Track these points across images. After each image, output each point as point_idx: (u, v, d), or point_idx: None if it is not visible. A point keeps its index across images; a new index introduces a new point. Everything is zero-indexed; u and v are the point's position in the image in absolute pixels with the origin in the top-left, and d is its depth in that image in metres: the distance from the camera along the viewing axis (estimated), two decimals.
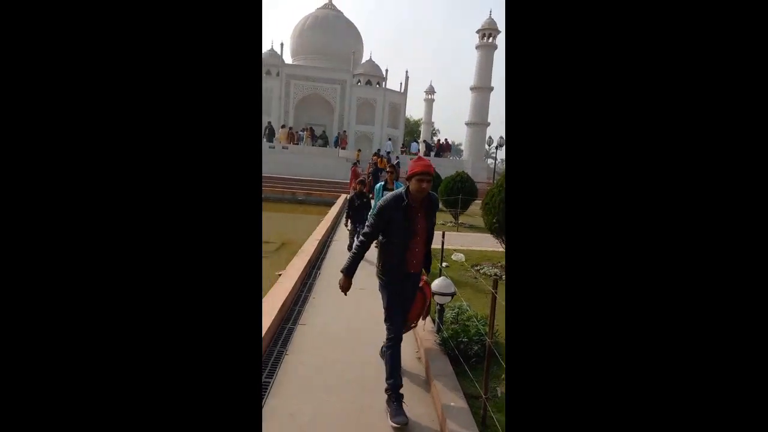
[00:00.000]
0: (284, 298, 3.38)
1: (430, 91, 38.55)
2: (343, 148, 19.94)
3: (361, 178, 6.26)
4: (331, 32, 24.53)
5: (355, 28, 26.36)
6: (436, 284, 2.78)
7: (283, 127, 19.85)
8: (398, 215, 2.09)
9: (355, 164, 14.67)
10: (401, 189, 2.15)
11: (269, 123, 19.99)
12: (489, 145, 22.90)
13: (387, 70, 23.89)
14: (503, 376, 2.33)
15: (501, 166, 22.76)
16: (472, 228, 8.55)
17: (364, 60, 24.90)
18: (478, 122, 24.70)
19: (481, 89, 24.51)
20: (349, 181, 13.30)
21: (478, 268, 5.14)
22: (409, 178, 2.12)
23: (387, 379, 2.12)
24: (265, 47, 23.62)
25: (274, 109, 21.97)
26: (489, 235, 5.67)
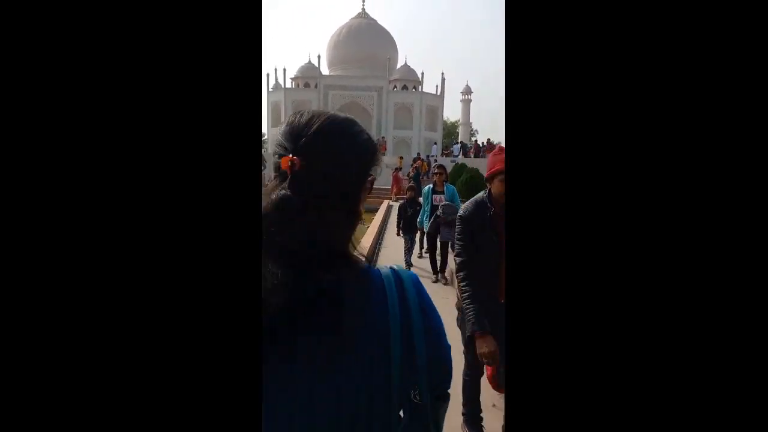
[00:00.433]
0: None
1: (467, 91, 38.01)
2: (383, 154, 20.01)
3: (411, 184, 6.14)
4: (365, 41, 24.82)
5: (389, 34, 26.53)
6: None
7: None
8: (484, 228, 1.60)
9: (396, 170, 14.66)
10: (482, 194, 1.71)
11: None
12: None
13: (423, 74, 23.83)
14: None
15: None
16: None
17: (399, 65, 24.97)
18: None
19: None
20: (390, 187, 13.30)
21: None
22: (489, 179, 1.67)
23: (464, 404, 1.83)
24: (303, 61, 24.27)
25: None
26: None
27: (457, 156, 18.94)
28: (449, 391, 0.63)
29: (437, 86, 24.73)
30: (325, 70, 24.41)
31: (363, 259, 0.59)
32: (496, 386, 1.94)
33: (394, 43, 26.39)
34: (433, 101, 23.87)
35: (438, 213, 4.20)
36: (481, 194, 1.71)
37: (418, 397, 0.56)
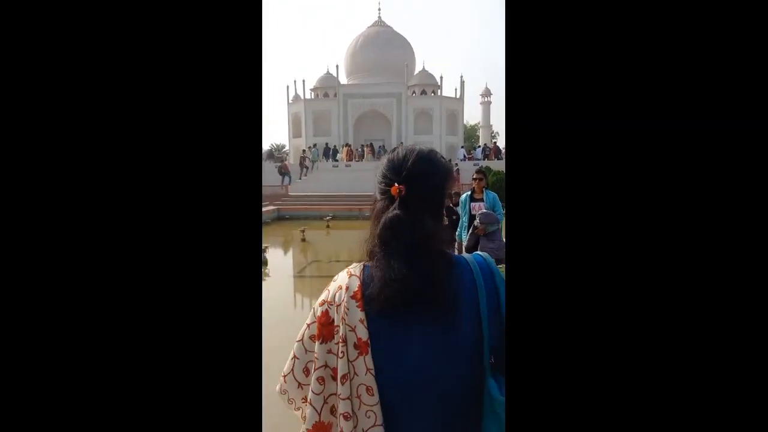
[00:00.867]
0: None
1: (486, 93, 37.64)
2: None
3: (455, 190, 5.69)
4: (382, 48, 24.93)
5: (406, 40, 26.59)
6: None
7: (346, 145, 20.34)
8: None
9: None
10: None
11: (326, 143, 20.59)
12: None
13: (441, 78, 23.75)
14: None
15: None
16: None
17: (417, 71, 24.94)
18: None
19: None
20: None
21: None
22: None
23: None
24: (321, 72, 24.57)
25: (333, 129, 22.65)
26: None
27: (480, 159, 18.64)
28: None
29: (456, 89, 24.56)
30: (343, 80, 24.64)
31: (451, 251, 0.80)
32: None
33: (411, 48, 26.43)
34: (452, 105, 23.69)
35: (476, 224, 3.76)
36: None
37: (493, 359, 0.69)
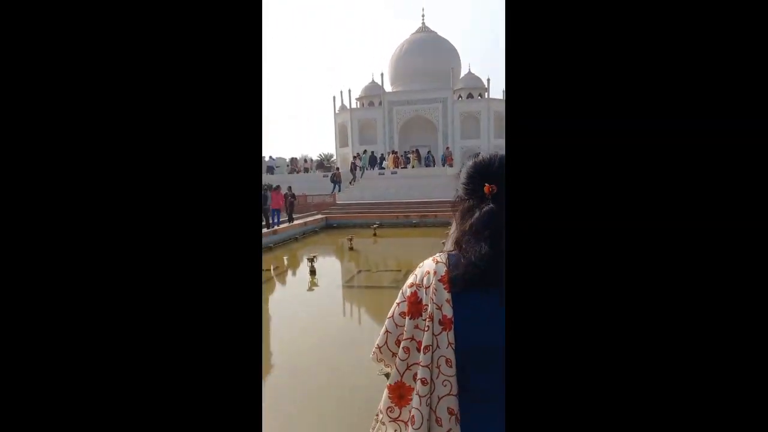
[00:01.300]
0: None
1: None
2: (450, 166, 19.57)
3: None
4: (427, 54, 24.78)
5: (450, 44, 26.25)
6: None
7: (393, 153, 20.33)
8: None
9: None
10: None
11: (371, 151, 20.65)
12: None
13: (488, 80, 23.18)
14: None
15: None
16: None
17: (463, 74, 24.51)
18: None
19: None
20: None
21: None
22: None
23: None
24: (366, 81, 24.82)
25: (379, 137, 22.72)
26: None
27: None
28: None
29: (504, 91, 23.81)
30: (388, 87, 24.73)
31: None
32: None
33: (456, 52, 26.05)
34: (500, 107, 22.99)
35: None
36: None
37: None
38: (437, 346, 0.78)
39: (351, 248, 9.73)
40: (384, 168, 19.43)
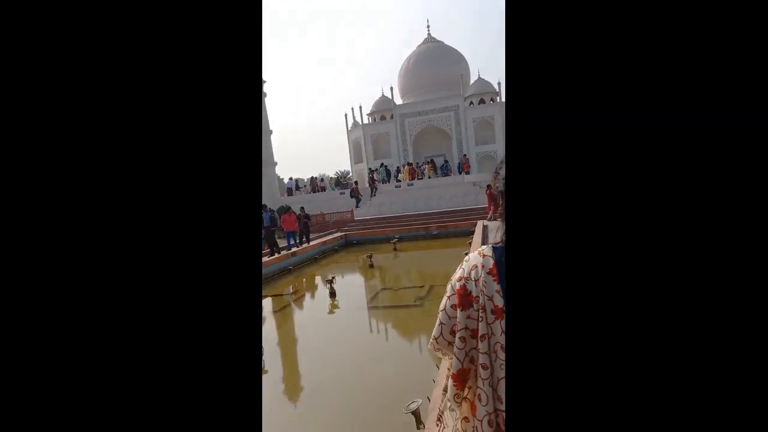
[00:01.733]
0: None
1: None
2: (467, 173, 19.20)
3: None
4: (435, 64, 24.70)
5: (458, 52, 26.12)
6: None
7: (408, 164, 20.14)
8: None
9: (489, 187, 13.73)
10: None
11: (386, 167, 20.54)
12: None
13: (500, 84, 22.81)
14: None
15: None
16: None
17: (473, 81, 24.28)
18: None
19: None
20: (487, 206, 12.41)
21: None
22: None
23: None
24: (376, 95, 24.88)
25: (393, 150, 22.59)
26: None
27: None
28: None
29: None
30: (398, 100, 24.68)
31: None
32: None
33: (465, 59, 25.88)
34: None
35: None
36: None
37: None
38: (492, 333, 0.83)
39: (371, 265, 9.46)
40: (400, 181, 19.21)
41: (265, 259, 9.21)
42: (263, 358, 4.14)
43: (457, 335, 0.86)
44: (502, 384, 0.82)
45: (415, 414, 2.59)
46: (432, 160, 20.41)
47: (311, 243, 11.89)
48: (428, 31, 27.16)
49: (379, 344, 5.17)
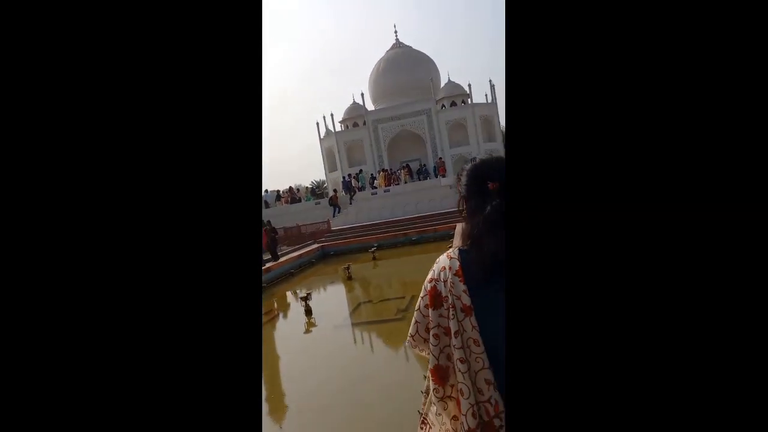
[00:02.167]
0: None
1: None
2: (443, 176, 19.04)
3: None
4: (405, 68, 24.60)
5: (427, 56, 26.13)
6: None
7: (383, 171, 19.82)
8: None
9: None
10: None
11: (361, 171, 20.20)
12: None
13: (470, 85, 22.90)
14: None
15: None
16: None
17: (443, 83, 24.27)
18: None
19: None
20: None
21: None
22: None
23: None
24: (348, 103, 24.54)
25: (367, 157, 22.26)
26: None
27: None
28: None
29: (487, 95, 23.55)
30: (370, 106, 24.41)
31: None
32: None
33: (434, 63, 25.90)
34: (486, 110, 22.65)
35: None
36: None
37: None
38: (463, 329, 0.89)
39: (349, 277, 9.02)
40: (376, 187, 18.86)
41: None
42: None
43: (431, 332, 0.93)
44: (480, 376, 0.87)
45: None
46: (407, 166, 20.16)
47: (282, 259, 11.07)
48: (396, 35, 27.10)
49: (359, 364, 4.74)
